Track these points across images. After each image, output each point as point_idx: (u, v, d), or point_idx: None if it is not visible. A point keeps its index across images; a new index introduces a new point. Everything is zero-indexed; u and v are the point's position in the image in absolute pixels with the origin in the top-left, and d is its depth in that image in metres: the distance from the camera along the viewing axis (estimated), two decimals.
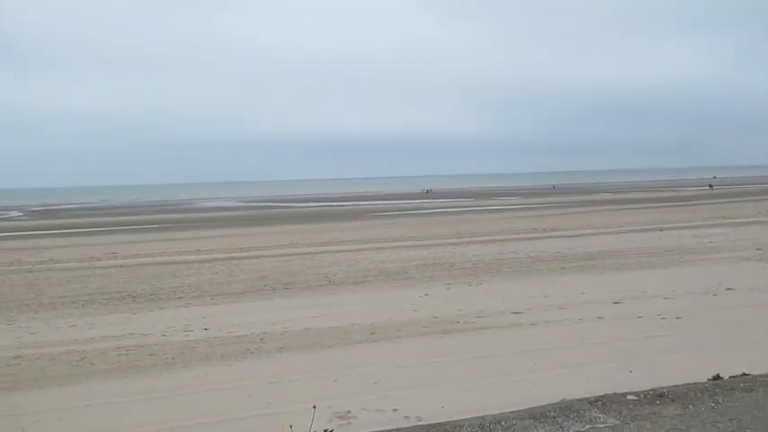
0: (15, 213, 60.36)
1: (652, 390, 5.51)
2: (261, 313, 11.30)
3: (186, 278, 15.65)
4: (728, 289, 11.77)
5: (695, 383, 5.74)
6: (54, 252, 22.74)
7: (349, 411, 6.32)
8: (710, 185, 73.54)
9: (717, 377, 5.99)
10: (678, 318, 9.73)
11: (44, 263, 19.56)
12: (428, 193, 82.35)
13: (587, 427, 4.70)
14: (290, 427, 4.23)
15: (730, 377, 5.98)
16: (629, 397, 5.33)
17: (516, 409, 5.24)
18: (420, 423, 5.65)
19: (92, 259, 20.19)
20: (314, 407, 4.70)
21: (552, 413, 4.93)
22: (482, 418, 5.03)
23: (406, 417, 6.13)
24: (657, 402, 5.21)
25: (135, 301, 12.99)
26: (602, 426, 4.72)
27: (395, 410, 6.31)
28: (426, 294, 12.49)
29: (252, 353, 8.78)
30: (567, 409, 5.02)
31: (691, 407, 5.09)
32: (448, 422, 5.11)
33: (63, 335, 10.25)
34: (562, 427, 4.70)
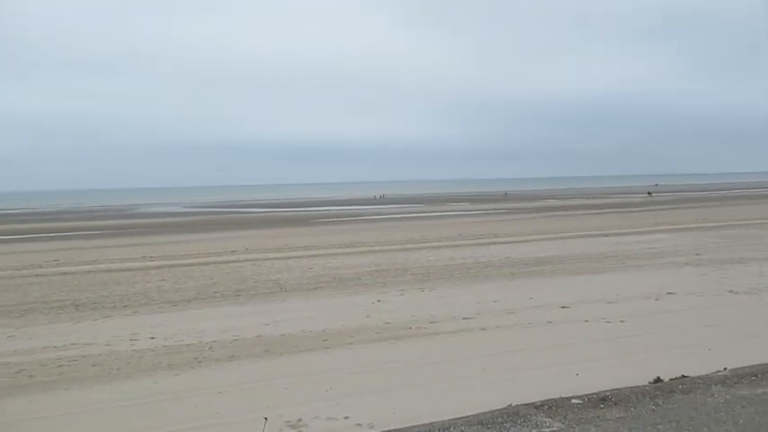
0: None
1: (596, 393, 5.67)
2: (210, 321, 11.09)
3: (132, 286, 15.24)
4: (669, 293, 12.22)
5: (637, 386, 5.93)
6: None
7: (300, 420, 6.27)
8: (649, 192, 76.35)
9: (658, 380, 6.21)
10: (622, 321, 10.04)
11: None
12: (381, 199, 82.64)
13: (533, 431, 4.80)
14: None
15: (670, 380, 6.21)
16: (574, 401, 5.47)
17: (466, 414, 5.31)
18: (372, 431, 5.66)
19: (32, 266, 19.44)
20: (265, 418, 4.65)
21: (500, 419, 5.01)
22: (431, 424, 5.08)
23: (358, 424, 6.12)
24: (601, 406, 5.36)
25: (78, 309, 12.57)
26: (547, 430, 4.83)
27: (346, 418, 6.30)
28: (379, 300, 12.52)
29: (200, 362, 8.61)
30: (514, 414, 5.12)
31: (633, 410, 5.26)
32: (399, 429, 5.14)
33: (0, 346, 9.82)
34: None
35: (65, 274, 17.63)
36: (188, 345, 9.51)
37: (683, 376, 6.32)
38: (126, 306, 12.76)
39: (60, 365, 8.63)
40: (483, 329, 9.87)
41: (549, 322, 10.20)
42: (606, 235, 24.57)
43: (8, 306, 13.06)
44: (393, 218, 43.65)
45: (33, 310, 12.56)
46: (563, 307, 11.27)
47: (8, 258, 21.89)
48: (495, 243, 22.73)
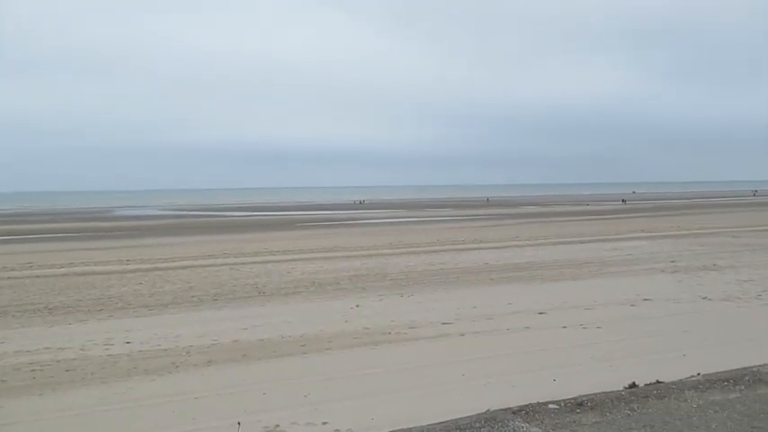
0: None
1: (573, 398, 5.72)
2: (187, 326, 10.98)
3: (108, 289, 15.03)
4: (645, 300, 12.38)
5: (612, 392, 6.00)
6: None
7: (278, 425, 6.23)
8: (623, 200, 77.47)
9: (633, 385, 6.28)
10: (599, 327, 10.15)
11: None
12: (362, 204, 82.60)
13: None
14: None
15: (645, 385, 6.28)
16: (551, 406, 5.51)
17: (444, 419, 5.32)
18: None
19: (5, 269, 19.09)
20: (238, 423, 4.61)
21: (477, 424, 5.03)
22: (409, 430, 5.08)
23: (337, 430, 6.11)
24: (577, 411, 5.41)
25: (51, 313, 12.36)
26: None
27: (324, 423, 6.28)
28: (358, 305, 12.49)
29: (177, 367, 8.52)
30: (491, 419, 5.14)
31: (608, 414, 5.31)
32: None
33: None
34: None
35: (38, 277, 17.34)
36: (165, 349, 9.40)
37: (658, 381, 6.40)
38: (101, 310, 12.58)
39: (33, 370, 8.47)
40: (462, 335, 9.91)
41: (527, 328, 10.27)
42: (584, 242, 24.84)
43: None
44: (373, 223, 43.66)
45: (5, 314, 12.32)
46: (541, 313, 11.36)
47: None
48: (475, 249, 22.84)
